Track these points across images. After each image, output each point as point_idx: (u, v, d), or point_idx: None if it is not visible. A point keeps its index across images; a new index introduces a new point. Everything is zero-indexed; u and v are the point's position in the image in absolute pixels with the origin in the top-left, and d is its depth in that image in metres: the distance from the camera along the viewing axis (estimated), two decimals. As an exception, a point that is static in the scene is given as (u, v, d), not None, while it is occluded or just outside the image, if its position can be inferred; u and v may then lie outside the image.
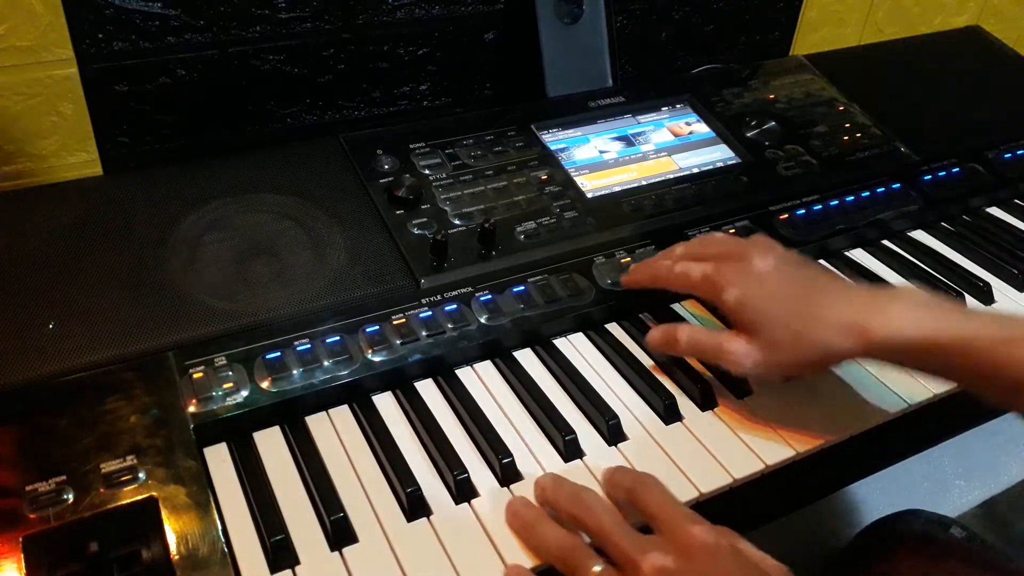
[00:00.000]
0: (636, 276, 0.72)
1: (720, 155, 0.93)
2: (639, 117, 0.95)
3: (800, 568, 0.48)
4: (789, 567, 0.51)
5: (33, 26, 0.75)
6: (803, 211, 0.87)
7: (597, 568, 0.50)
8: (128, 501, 0.54)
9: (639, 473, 0.57)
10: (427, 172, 0.82)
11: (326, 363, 0.65)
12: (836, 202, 0.89)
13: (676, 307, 0.76)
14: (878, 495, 0.86)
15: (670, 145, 0.93)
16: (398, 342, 0.67)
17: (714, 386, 0.69)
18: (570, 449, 0.62)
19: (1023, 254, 0.88)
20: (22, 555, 0.50)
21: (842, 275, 0.76)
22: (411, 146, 0.85)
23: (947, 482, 0.88)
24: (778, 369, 0.62)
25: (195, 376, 0.62)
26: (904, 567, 0.73)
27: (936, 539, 0.74)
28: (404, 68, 0.95)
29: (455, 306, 0.71)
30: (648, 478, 0.56)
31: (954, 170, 0.97)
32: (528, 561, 0.54)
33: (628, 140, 0.92)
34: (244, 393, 0.62)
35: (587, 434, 0.64)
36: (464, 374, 0.69)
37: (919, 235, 0.91)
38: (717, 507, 0.61)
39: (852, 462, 0.68)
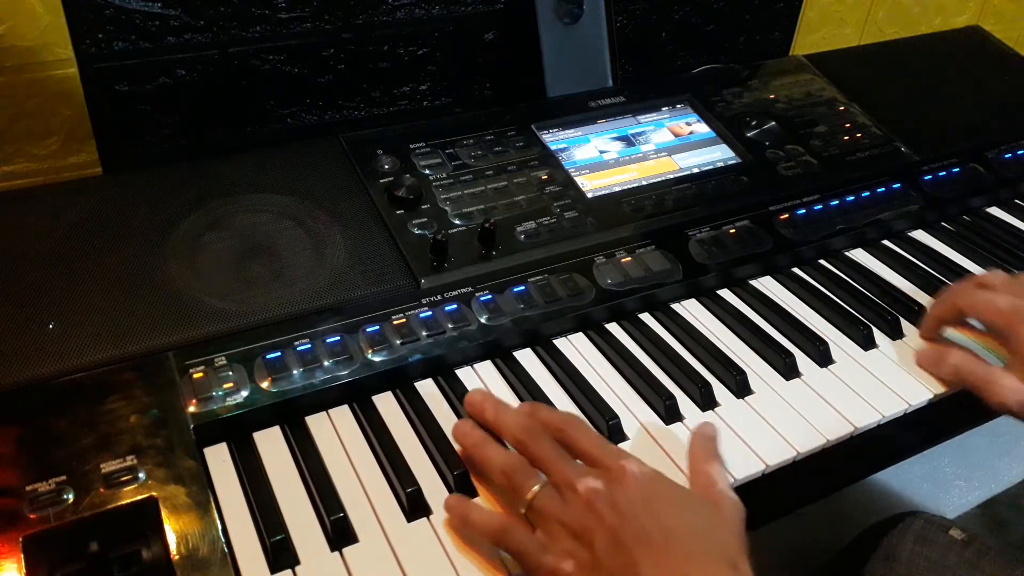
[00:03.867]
0: (936, 312, 0.74)
1: (720, 155, 0.93)
2: (639, 117, 0.95)
3: (799, 569, 0.48)
4: (789, 569, 0.52)
5: (33, 26, 0.75)
6: (803, 211, 0.87)
7: (537, 487, 0.54)
8: (128, 501, 0.54)
9: (565, 413, 0.60)
10: (427, 172, 0.82)
11: (326, 363, 0.64)
12: (836, 202, 0.89)
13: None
14: (878, 495, 0.86)
15: (670, 145, 0.93)
16: (398, 342, 0.67)
17: (714, 386, 0.69)
18: (570, 449, 0.62)
19: (1023, 254, 0.88)
20: (22, 555, 0.50)
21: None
22: (411, 146, 0.85)
23: (947, 482, 0.88)
24: None
25: (195, 376, 0.62)
26: (903, 569, 0.73)
27: (936, 541, 0.74)
28: (404, 68, 0.95)
29: (455, 306, 0.70)
30: (575, 419, 0.59)
31: (954, 170, 0.97)
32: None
33: (628, 140, 0.92)
34: (244, 393, 0.62)
35: (587, 434, 0.64)
36: (464, 374, 0.69)
37: (919, 235, 0.91)
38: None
39: (852, 462, 0.68)
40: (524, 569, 0.53)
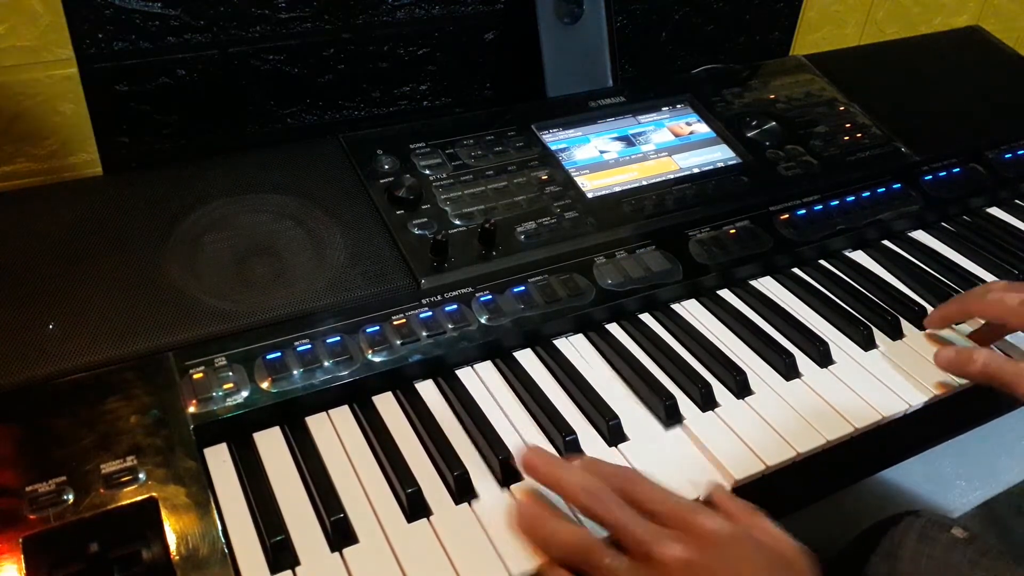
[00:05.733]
0: (943, 313, 0.75)
1: (720, 155, 0.93)
2: (639, 117, 0.95)
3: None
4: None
5: (33, 26, 0.75)
6: (803, 211, 0.87)
7: (612, 562, 0.50)
8: (128, 501, 0.54)
9: (623, 468, 0.56)
10: (427, 172, 0.82)
11: (326, 363, 0.64)
12: (836, 202, 0.89)
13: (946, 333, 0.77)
14: (878, 495, 0.85)
15: (670, 145, 0.93)
16: (398, 342, 0.67)
17: (714, 386, 0.69)
18: (570, 449, 0.62)
19: (1023, 254, 0.88)
20: (22, 555, 0.50)
21: None
22: (411, 146, 0.85)
23: (948, 482, 0.88)
24: None
25: (195, 376, 0.62)
26: (906, 568, 0.73)
27: (938, 540, 0.74)
28: (404, 68, 0.95)
29: (455, 306, 0.70)
30: (635, 473, 0.55)
31: (954, 170, 0.97)
32: (532, 561, 0.54)
33: (628, 140, 0.92)
34: (244, 393, 0.62)
35: (587, 434, 0.64)
36: (464, 374, 0.69)
37: (919, 235, 0.91)
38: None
39: (852, 462, 0.68)
40: None
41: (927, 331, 0.77)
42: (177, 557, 0.52)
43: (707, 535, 0.50)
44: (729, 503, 0.54)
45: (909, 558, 0.74)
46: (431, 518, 0.57)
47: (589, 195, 0.84)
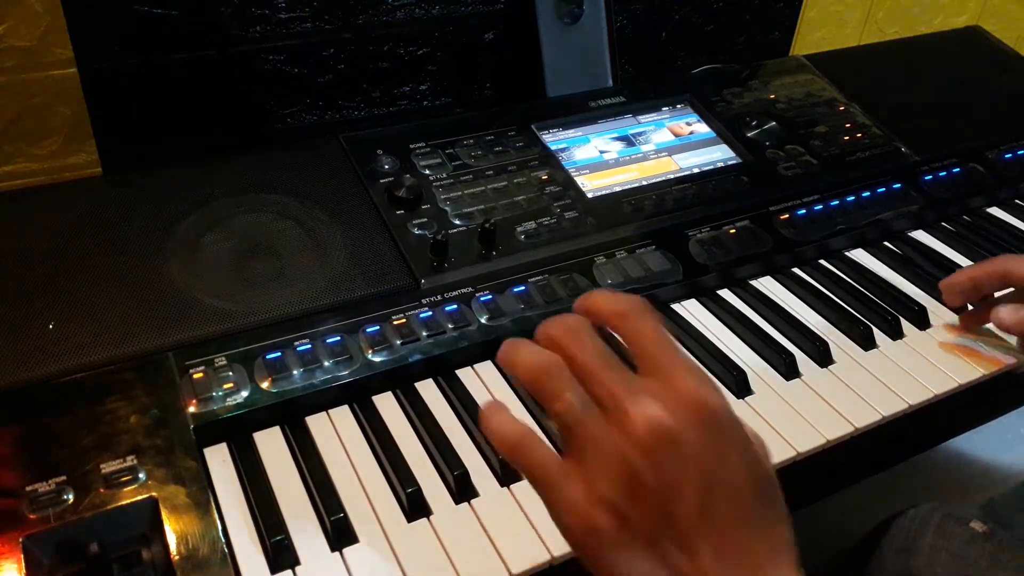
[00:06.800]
0: (971, 273, 0.72)
1: (720, 155, 0.93)
2: (639, 117, 0.95)
3: (805, 566, 0.48)
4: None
5: (33, 26, 0.75)
6: (803, 211, 0.87)
7: (571, 396, 0.41)
8: (128, 501, 0.54)
9: (631, 298, 0.45)
10: (427, 172, 0.82)
11: (326, 363, 0.64)
12: (836, 202, 0.89)
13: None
14: (883, 491, 0.85)
15: (670, 145, 0.93)
16: (398, 342, 0.67)
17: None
18: (570, 449, 0.62)
19: (1023, 254, 0.88)
20: (22, 555, 0.50)
21: None
22: (411, 146, 0.85)
23: (952, 478, 0.88)
24: None
25: (195, 376, 0.62)
26: (923, 562, 0.72)
27: (956, 534, 0.73)
28: (404, 68, 0.95)
29: (455, 306, 0.70)
30: (641, 305, 0.44)
31: (954, 170, 0.97)
32: (532, 560, 0.54)
33: (628, 140, 0.92)
34: (244, 393, 0.62)
35: (587, 434, 0.64)
36: (464, 374, 0.69)
37: (919, 235, 0.91)
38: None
39: (852, 463, 0.68)
40: (544, 501, 0.41)
41: (944, 295, 0.75)
42: (177, 557, 0.52)
43: (691, 401, 0.40)
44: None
45: (926, 553, 0.72)
46: (431, 518, 0.57)
47: (589, 195, 0.84)
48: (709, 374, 0.45)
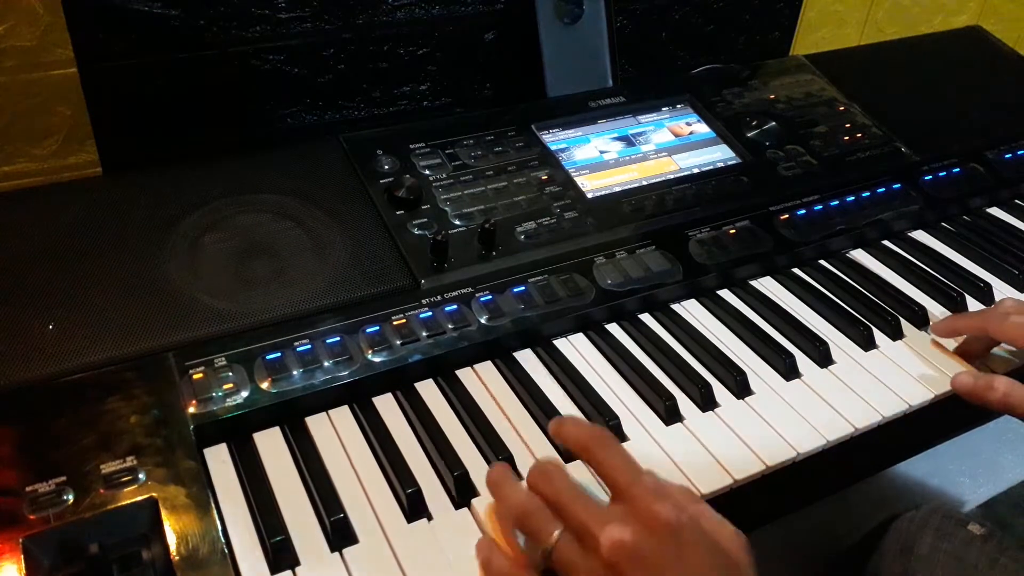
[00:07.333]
0: (954, 325, 0.74)
1: (720, 155, 0.93)
2: (639, 117, 0.95)
3: (804, 568, 0.48)
4: (791, 564, 0.51)
5: (33, 26, 0.75)
6: (803, 211, 0.87)
7: (556, 533, 0.49)
8: (128, 502, 0.54)
9: (594, 428, 0.55)
10: (427, 172, 0.82)
11: (326, 363, 0.64)
12: (836, 202, 0.89)
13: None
14: (882, 493, 0.85)
15: (670, 145, 0.93)
16: (398, 342, 0.67)
17: (714, 387, 0.69)
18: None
19: (1023, 254, 0.88)
20: (22, 556, 0.50)
21: None
22: (411, 146, 0.85)
23: (951, 480, 0.88)
24: None
25: (195, 376, 0.62)
26: (922, 564, 0.72)
27: (955, 536, 0.73)
28: (404, 68, 0.95)
29: (455, 306, 0.70)
30: (603, 436, 0.54)
31: (954, 170, 0.97)
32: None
33: (628, 140, 0.92)
34: (244, 393, 0.62)
35: (587, 434, 0.64)
36: (464, 374, 0.69)
37: (919, 235, 0.91)
38: (718, 507, 0.60)
39: (852, 463, 0.68)
40: None
41: (931, 336, 0.76)
42: (177, 557, 0.52)
43: (654, 520, 0.47)
44: (671, 488, 0.52)
45: (925, 555, 0.73)
46: (431, 518, 0.57)
47: (589, 195, 0.84)
48: (671, 480, 0.52)
